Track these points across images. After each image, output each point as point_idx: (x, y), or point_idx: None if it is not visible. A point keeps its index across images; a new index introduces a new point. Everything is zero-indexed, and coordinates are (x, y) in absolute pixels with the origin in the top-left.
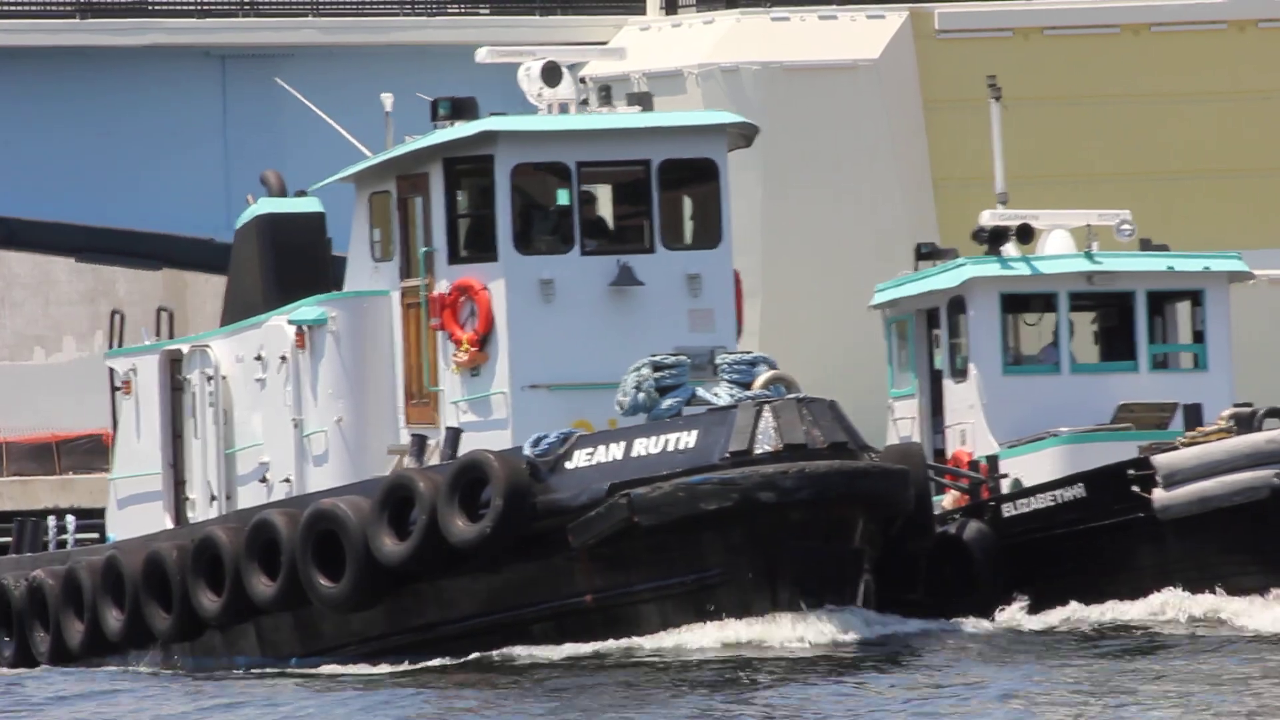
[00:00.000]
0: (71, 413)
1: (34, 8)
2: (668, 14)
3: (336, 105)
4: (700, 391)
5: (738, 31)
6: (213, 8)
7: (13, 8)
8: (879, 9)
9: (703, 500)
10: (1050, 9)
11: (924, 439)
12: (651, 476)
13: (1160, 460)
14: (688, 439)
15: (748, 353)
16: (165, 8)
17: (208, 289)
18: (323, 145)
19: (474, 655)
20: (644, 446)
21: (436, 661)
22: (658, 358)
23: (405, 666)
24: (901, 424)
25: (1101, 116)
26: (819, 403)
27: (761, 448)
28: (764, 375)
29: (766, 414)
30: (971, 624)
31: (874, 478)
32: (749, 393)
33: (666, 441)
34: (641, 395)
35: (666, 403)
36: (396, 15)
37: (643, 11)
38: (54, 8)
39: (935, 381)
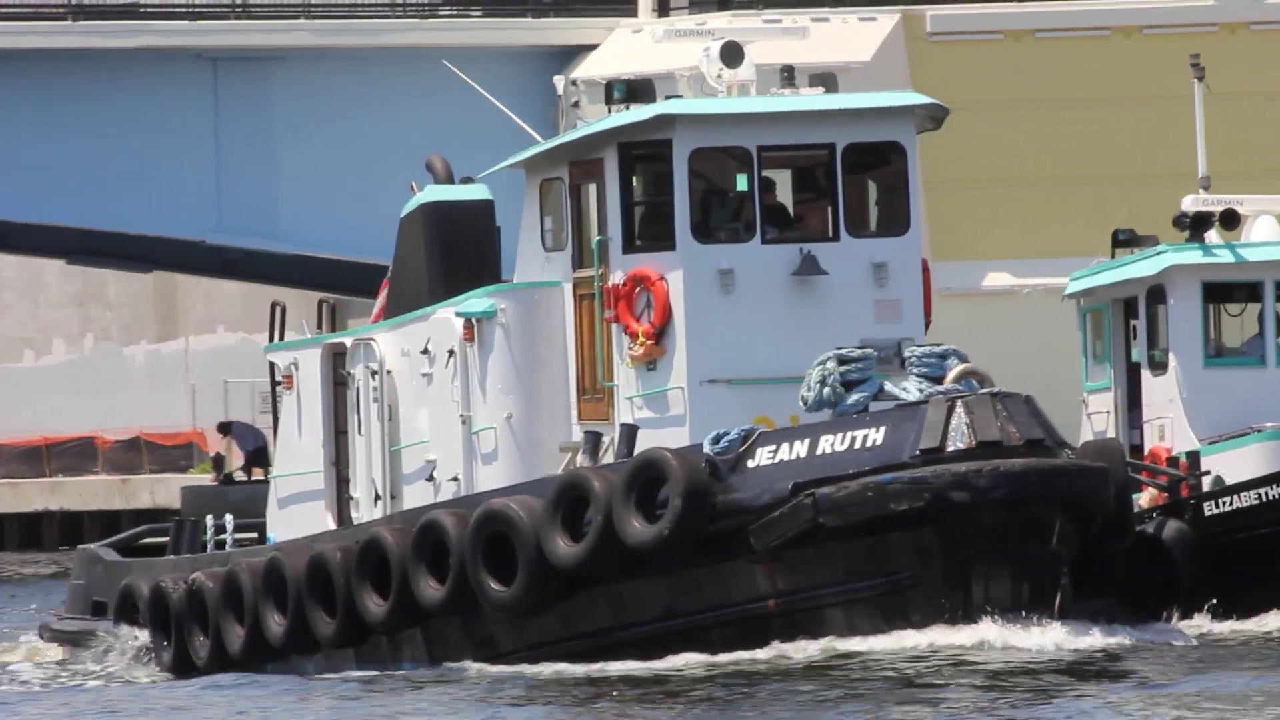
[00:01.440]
0: (62, 415)
1: (26, 10)
2: (660, 16)
3: (329, 108)
4: (888, 386)
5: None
6: (204, 10)
7: (5, 9)
8: (871, 11)
9: (892, 500)
10: (1041, 11)
11: (1120, 434)
12: (837, 475)
13: None
14: (875, 436)
15: (938, 345)
16: (157, 10)
17: (198, 291)
18: (316, 146)
19: (651, 662)
20: (829, 444)
21: (612, 668)
22: (843, 350)
23: (579, 673)
24: (1096, 419)
25: (1090, 119)
26: (1014, 398)
27: (954, 445)
28: (956, 369)
29: (959, 409)
30: (1174, 630)
31: (1073, 476)
32: (940, 387)
33: (853, 438)
34: (826, 390)
35: (852, 398)
36: (389, 18)
37: (634, 13)
38: (46, 10)
39: (1132, 374)
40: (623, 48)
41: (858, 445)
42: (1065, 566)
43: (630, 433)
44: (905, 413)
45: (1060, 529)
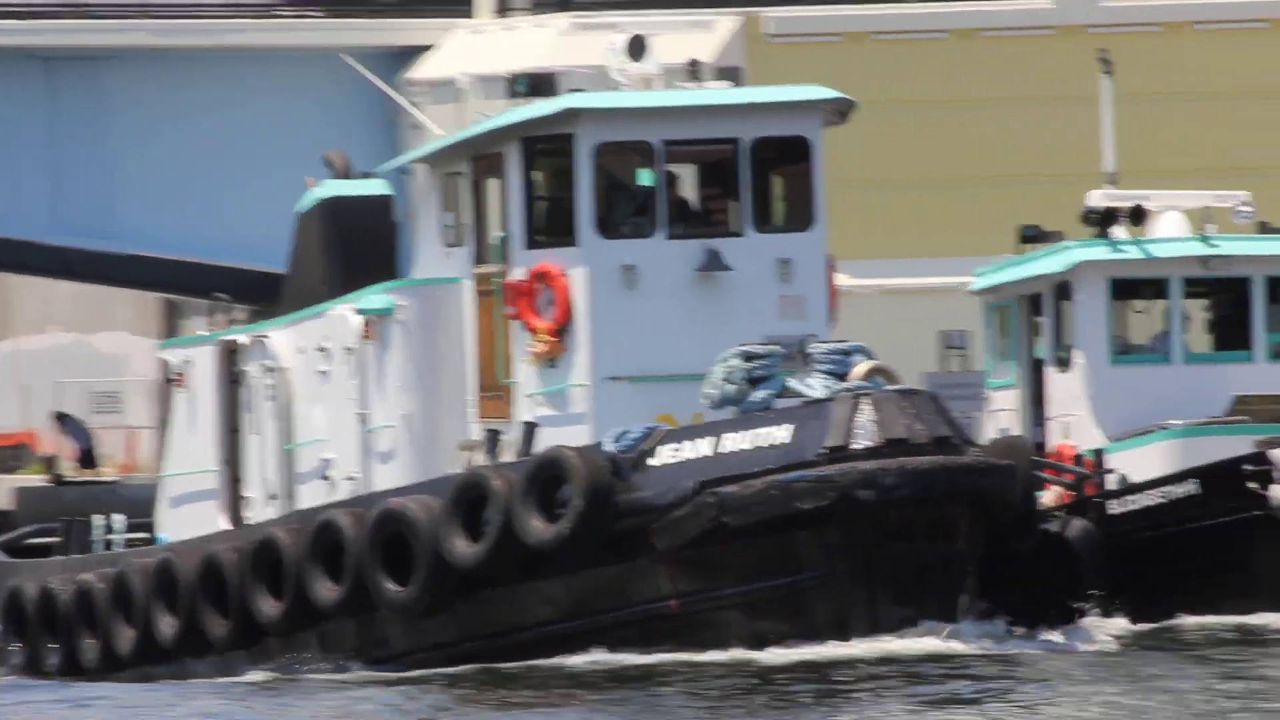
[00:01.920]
0: None
1: None
2: (499, 16)
3: (168, 108)
4: (792, 383)
5: (570, 34)
6: (38, 8)
7: None
8: (712, 13)
9: (797, 499)
10: (880, 14)
11: (1025, 432)
12: (742, 474)
13: (1278, 455)
14: (781, 434)
15: (843, 341)
16: None
17: (30, 291)
18: (155, 147)
19: (550, 663)
20: (734, 442)
21: (512, 669)
22: (748, 347)
23: (476, 674)
24: (1000, 416)
25: (928, 121)
26: (921, 394)
27: (860, 442)
28: (862, 366)
29: (865, 406)
30: (1079, 630)
31: (980, 474)
32: (846, 384)
33: (758, 436)
34: (731, 387)
35: (757, 395)
36: (228, 18)
37: (471, 14)
38: None
39: (1037, 372)
40: (461, 48)
41: (762, 443)
42: (972, 566)
43: (530, 431)
44: (811, 410)
45: (968, 528)
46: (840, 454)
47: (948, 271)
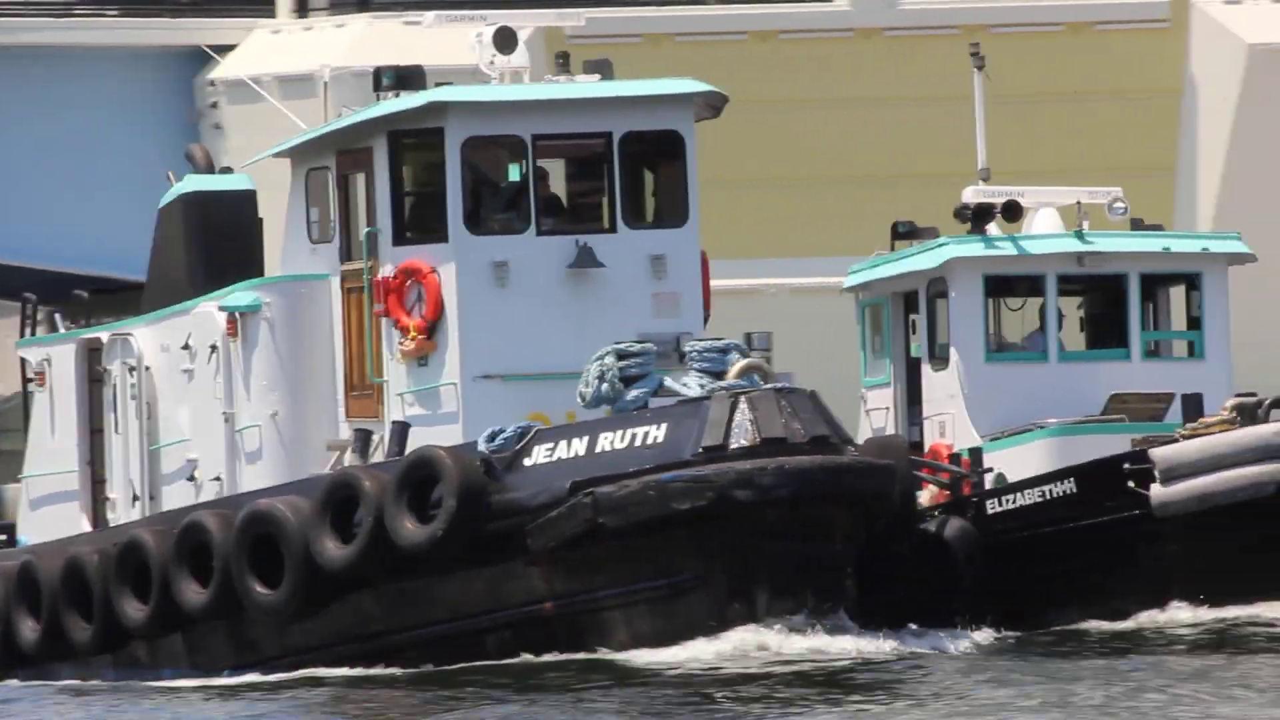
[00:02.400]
0: None
1: None
2: (299, 16)
3: None
4: (668, 382)
5: (370, 35)
6: None
7: None
8: (513, 14)
9: (674, 499)
10: (681, 15)
11: (900, 431)
12: (618, 474)
13: (1159, 454)
14: (657, 433)
15: (719, 339)
16: None
17: None
18: None
19: (422, 667)
20: (609, 441)
21: (383, 673)
22: (622, 345)
23: (346, 679)
24: (875, 415)
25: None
26: (798, 393)
27: (737, 442)
28: (739, 364)
29: (742, 405)
30: (957, 632)
31: (859, 474)
32: (722, 383)
33: (634, 436)
34: (605, 386)
35: (632, 394)
36: (22, 15)
37: (273, 14)
38: None
39: (911, 370)
40: (262, 48)
41: (639, 443)
42: (850, 567)
43: (401, 430)
44: (687, 409)
45: (846, 528)
46: (717, 454)
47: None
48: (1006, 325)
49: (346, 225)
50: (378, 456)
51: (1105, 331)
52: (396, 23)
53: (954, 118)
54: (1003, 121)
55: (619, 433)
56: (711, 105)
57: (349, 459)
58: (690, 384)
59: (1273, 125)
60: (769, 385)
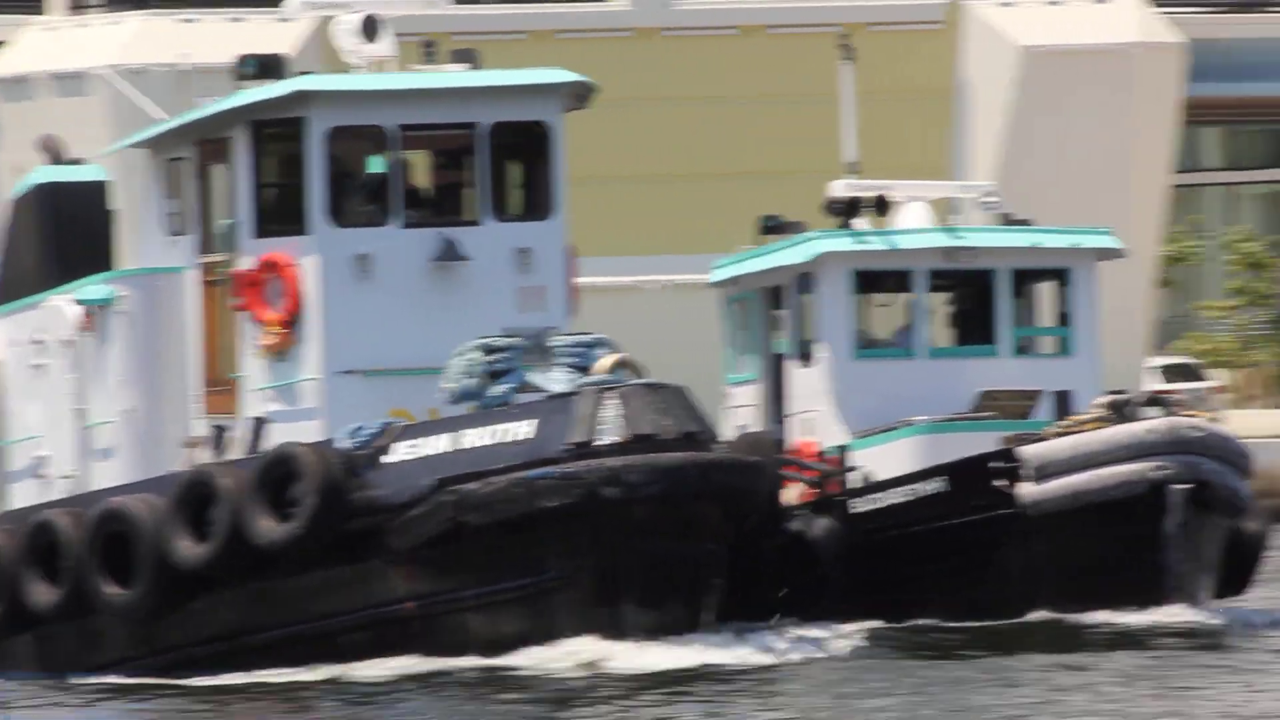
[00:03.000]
0: None
1: None
2: (73, 13)
3: None
4: (534, 377)
5: (145, 33)
6: None
7: None
8: (289, 13)
9: (541, 496)
10: (541, 12)
11: (764, 428)
12: (483, 471)
13: (1029, 452)
14: (523, 429)
15: (586, 334)
16: None
17: None
18: None
19: (280, 669)
20: (474, 438)
21: (239, 675)
22: (489, 340)
23: (205, 680)
24: (740, 412)
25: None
26: (668, 389)
27: (606, 438)
28: (607, 359)
29: (611, 401)
30: (822, 631)
31: (731, 471)
32: (590, 378)
33: (499, 432)
34: (471, 381)
35: (497, 389)
36: None
37: (45, 11)
38: None
39: (777, 366)
40: (34, 44)
41: (504, 439)
42: (721, 566)
43: (259, 426)
44: (555, 404)
45: (716, 527)
46: (585, 450)
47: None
48: (874, 322)
49: (205, 217)
50: (235, 453)
51: (974, 328)
52: (171, 20)
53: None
54: (769, 120)
55: (484, 429)
56: (579, 96)
57: (204, 456)
58: (556, 379)
59: (1044, 127)
60: (638, 380)
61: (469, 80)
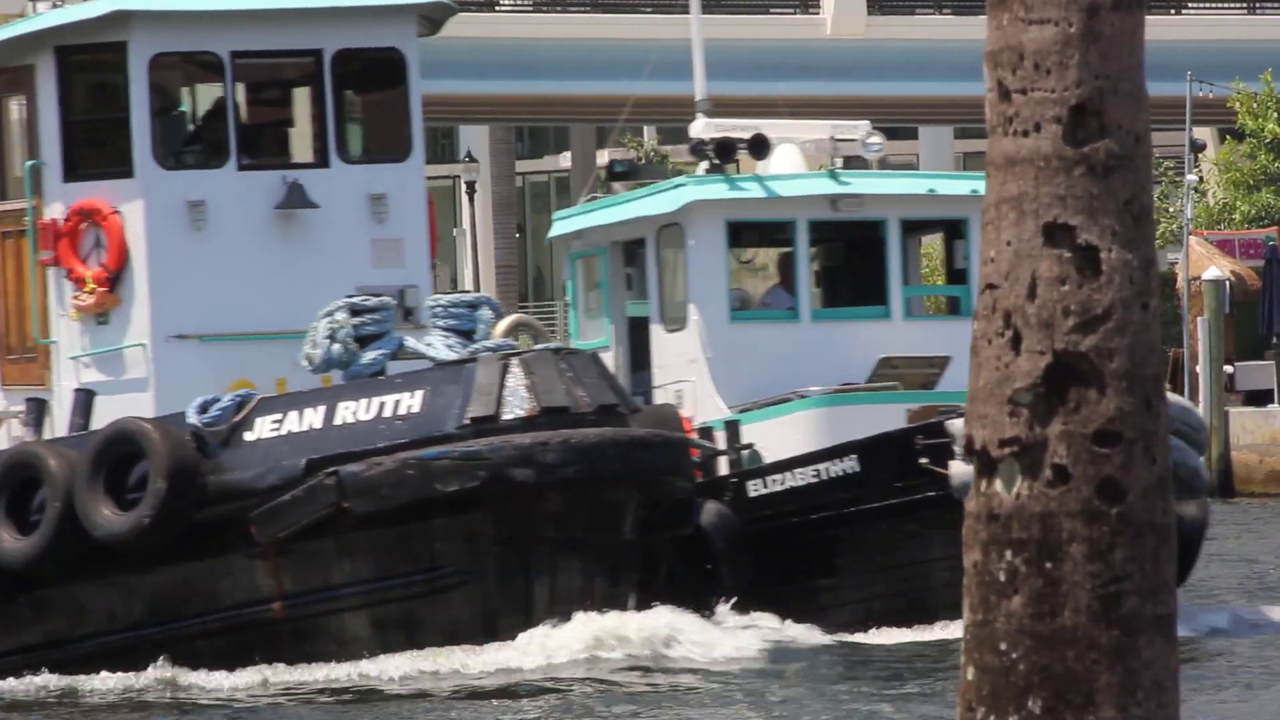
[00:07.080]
0: None
1: None
2: None
3: None
4: (411, 342)
5: None
6: None
7: None
8: None
9: (438, 479)
10: None
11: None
12: (365, 450)
13: (959, 426)
14: (411, 402)
15: (466, 292)
16: None
17: None
18: None
19: (119, 679)
20: (351, 412)
21: (72, 684)
22: (356, 299)
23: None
24: None
25: None
26: (580, 355)
27: (512, 412)
28: (507, 320)
29: (516, 369)
30: (727, 629)
31: (655, 450)
32: (486, 343)
33: (383, 405)
34: (337, 347)
35: (369, 356)
36: None
37: None
38: None
39: (636, 330)
40: None
41: (389, 413)
42: (638, 556)
43: (87, 400)
44: (448, 374)
45: (638, 512)
46: (488, 426)
47: None
48: (743, 279)
49: (3, 158)
50: (57, 431)
51: (856, 287)
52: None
53: None
54: None
55: (363, 401)
56: (431, 19)
57: (22, 433)
58: (436, 344)
59: None
60: (542, 345)
61: (312, 1)
